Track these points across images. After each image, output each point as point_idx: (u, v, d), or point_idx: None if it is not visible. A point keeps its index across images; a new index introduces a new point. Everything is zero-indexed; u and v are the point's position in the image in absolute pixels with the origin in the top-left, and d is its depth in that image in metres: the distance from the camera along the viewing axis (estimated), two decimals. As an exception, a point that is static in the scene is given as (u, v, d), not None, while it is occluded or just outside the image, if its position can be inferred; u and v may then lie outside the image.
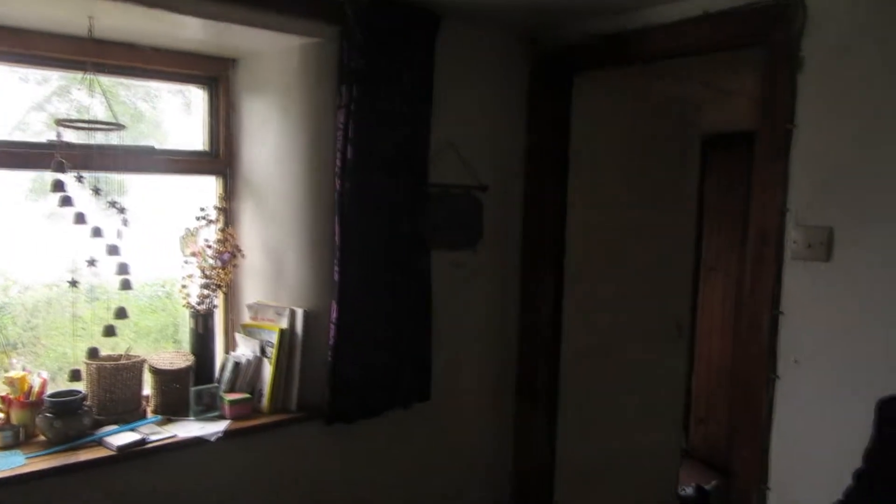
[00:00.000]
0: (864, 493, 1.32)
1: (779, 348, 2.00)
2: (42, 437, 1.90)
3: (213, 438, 1.99)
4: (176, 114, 2.36)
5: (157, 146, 2.22)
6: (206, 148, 2.36)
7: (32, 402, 1.90)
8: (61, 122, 1.90)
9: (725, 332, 4.23)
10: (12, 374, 1.93)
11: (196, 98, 2.35)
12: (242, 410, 2.14)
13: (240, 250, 2.25)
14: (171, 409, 2.11)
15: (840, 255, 1.88)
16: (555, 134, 2.66)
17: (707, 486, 3.75)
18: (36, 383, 1.94)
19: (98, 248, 1.94)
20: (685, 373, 4.04)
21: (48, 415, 1.85)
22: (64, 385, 2.02)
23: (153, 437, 1.93)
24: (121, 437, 1.88)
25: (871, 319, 1.80)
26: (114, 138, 2.00)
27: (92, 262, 1.92)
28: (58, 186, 1.86)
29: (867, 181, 1.83)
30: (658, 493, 3.25)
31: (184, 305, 2.22)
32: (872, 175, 1.82)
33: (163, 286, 2.36)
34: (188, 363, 2.16)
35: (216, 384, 2.20)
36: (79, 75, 1.97)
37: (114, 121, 1.96)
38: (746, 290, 2.08)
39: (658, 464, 3.22)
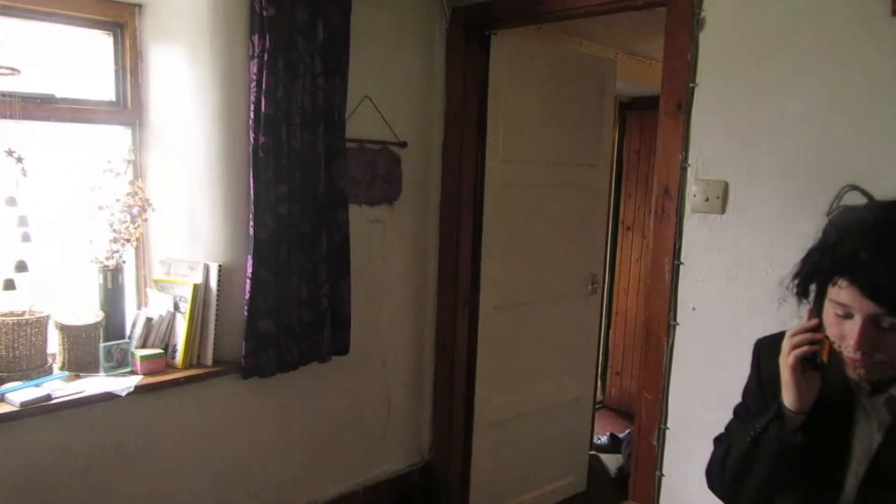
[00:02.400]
0: (740, 425, 1.42)
1: (679, 296, 2.12)
2: (-61, 396, 1.83)
3: (123, 393, 1.96)
4: (81, 61, 2.25)
5: (59, 94, 2.12)
6: (113, 98, 2.27)
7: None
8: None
9: (641, 289, 4.41)
10: None
11: (103, 45, 2.25)
12: (155, 366, 2.11)
13: (150, 204, 2.19)
14: (80, 365, 2.06)
15: (734, 207, 1.99)
16: (473, 91, 2.68)
17: (620, 435, 3.95)
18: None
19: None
20: (601, 327, 4.22)
21: (-56, 372, 1.79)
22: (-38, 343, 1.95)
23: (59, 393, 1.88)
24: (24, 393, 1.82)
25: (759, 267, 1.93)
26: (10, 84, 1.91)
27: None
28: (-54, 134, 1.77)
29: (760, 138, 1.94)
30: (574, 442, 3.40)
31: (92, 261, 2.16)
32: (765, 132, 1.92)
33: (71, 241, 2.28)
34: (97, 319, 2.11)
35: (127, 340, 2.15)
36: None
37: (8, 65, 1.86)
38: (650, 242, 2.18)
39: (574, 414, 3.36)
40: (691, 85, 2.04)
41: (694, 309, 2.09)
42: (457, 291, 2.74)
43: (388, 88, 2.57)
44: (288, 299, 2.24)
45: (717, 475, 1.42)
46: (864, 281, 1.08)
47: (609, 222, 4.15)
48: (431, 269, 2.80)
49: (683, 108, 2.05)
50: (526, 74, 2.82)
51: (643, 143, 4.30)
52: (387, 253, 2.64)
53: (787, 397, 1.24)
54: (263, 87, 2.10)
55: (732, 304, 2.00)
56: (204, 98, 2.16)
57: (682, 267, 2.10)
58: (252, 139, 2.12)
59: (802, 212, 1.82)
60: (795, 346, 1.21)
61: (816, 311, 1.22)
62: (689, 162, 2.07)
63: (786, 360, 1.23)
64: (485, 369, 2.87)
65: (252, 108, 2.12)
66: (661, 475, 2.19)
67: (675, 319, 2.12)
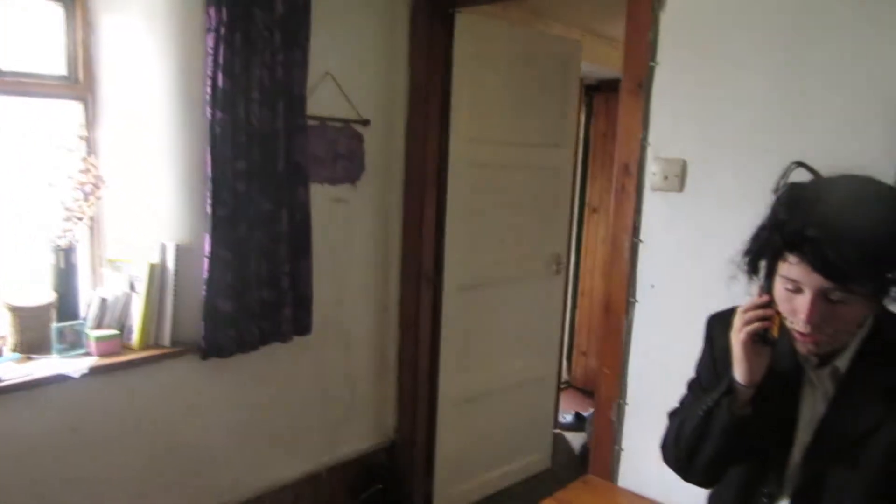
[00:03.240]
0: (693, 399, 1.45)
1: (638, 274, 2.14)
2: None
3: (76, 375, 1.92)
4: (30, 33, 2.17)
5: (5, 67, 2.05)
6: (65, 72, 2.20)
7: None
8: None
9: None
10: None
11: (54, 17, 2.17)
12: (110, 347, 2.07)
13: (103, 181, 2.14)
14: (32, 347, 2.01)
15: (692, 185, 2.01)
16: (436, 69, 2.66)
17: (585, 413, 4.00)
18: None
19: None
20: (567, 308, 4.26)
21: None
22: None
23: (10, 375, 1.83)
24: (-28, 376, 1.78)
25: (714, 244, 1.95)
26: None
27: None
28: None
29: (717, 117, 1.95)
30: (538, 420, 3.43)
31: (43, 240, 2.10)
32: (722, 111, 1.94)
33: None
34: (49, 300, 2.06)
35: (81, 321, 2.11)
36: None
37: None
38: (611, 220, 2.20)
39: (538, 393, 3.40)
40: (651, 64, 2.05)
41: (653, 286, 2.11)
42: (420, 271, 2.74)
43: (351, 65, 2.53)
44: (247, 278, 2.21)
45: (671, 448, 1.44)
46: (812, 256, 1.10)
47: (575, 204, 4.18)
48: (395, 248, 2.78)
49: (643, 86, 2.06)
50: (490, 54, 2.81)
51: (609, 126, 4.32)
52: (349, 232, 2.62)
53: (738, 372, 1.26)
54: (220, 61, 2.06)
55: (690, 280, 2.02)
56: (158, 72, 2.11)
57: (641, 244, 2.12)
58: (209, 115, 2.08)
59: (758, 190, 1.83)
60: (747, 322, 1.23)
61: (766, 287, 1.24)
62: (649, 140, 2.08)
63: (737, 336, 1.24)
64: (449, 349, 2.88)
65: (209, 82, 2.07)
66: (620, 449, 2.23)
67: (634, 296, 2.15)
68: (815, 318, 1.13)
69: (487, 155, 2.88)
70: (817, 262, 1.09)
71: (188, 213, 2.16)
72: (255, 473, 2.42)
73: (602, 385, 2.25)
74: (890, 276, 1.13)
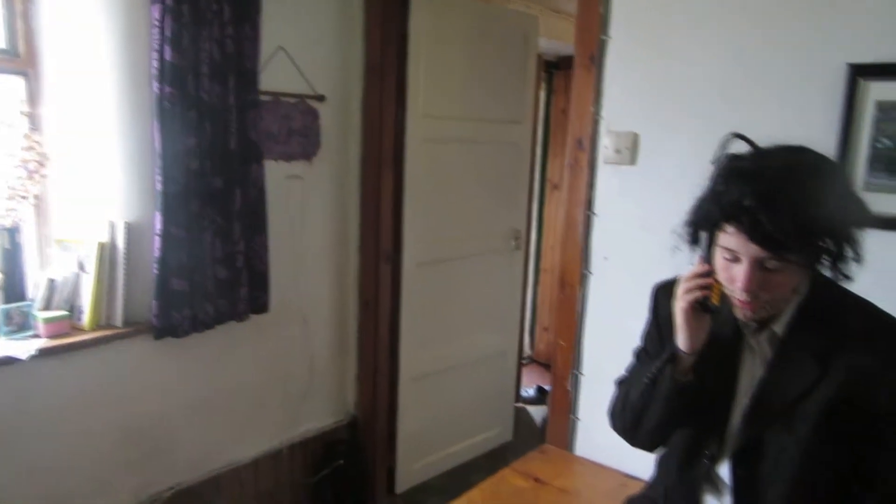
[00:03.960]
0: (639, 367, 1.48)
1: (591, 246, 2.17)
2: None
3: (25, 357, 1.88)
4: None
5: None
6: (4, 45, 2.12)
7: None
8: None
9: (566, 245, 4.49)
10: None
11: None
12: (59, 328, 2.03)
13: (48, 158, 2.08)
14: (-23, 329, 1.97)
15: (643, 159, 2.04)
16: (392, 44, 2.64)
17: (547, 387, 4.05)
18: None
19: None
20: (530, 285, 4.30)
21: None
22: None
23: (-47, 358, 1.79)
24: (-88, 359, 1.73)
25: (665, 216, 1.97)
26: None
27: None
28: None
29: (668, 90, 1.98)
30: (500, 394, 3.48)
31: (-14, 219, 2.04)
32: (673, 85, 1.97)
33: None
34: (-6, 281, 2.01)
35: (28, 302, 2.06)
36: None
37: None
38: (565, 193, 2.21)
39: (499, 367, 3.43)
40: (603, 37, 2.06)
41: (606, 258, 2.15)
42: (379, 248, 2.73)
43: (304, 40, 2.49)
44: (201, 257, 2.18)
45: (618, 415, 1.48)
46: (748, 226, 1.12)
47: (536, 181, 4.21)
48: (353, 225, 2.77)
49: (595, 60, 2.07)
50: (447, 28, 2.79)
51: (569, 102, 4.33)
52: (306, 209, 2.59)
53: (680, 339, 1.29)
54: (167, 33, 2.01)
55: (642, 252, 2.06)
56: (103, 45, 2.05)
57: (594, 217, 2.15)
58: (157, 89, 2.03)
59: (707, 162, 1.87)
60: (687, 291, 1.26)
61: (707, 257, 1.27)
62: (602, 114, 2.10)
63: (678, 305, 1.28)
64: (409, 325, 2.89)
65: (155, 56, 2.02)
66: (577, 419, 2.27)
67: (588, 269, 2.18)
68: (751, 286, 1.17)
69: (445, 131, 2.88)
70: (753, 232, 1.12)
71: (138, 191, 2.12)
72: (214, 453, 2.41)
73: (558, 357, 2.29)
74: (822, 244, 1.16)
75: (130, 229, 2.11)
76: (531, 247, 4.36)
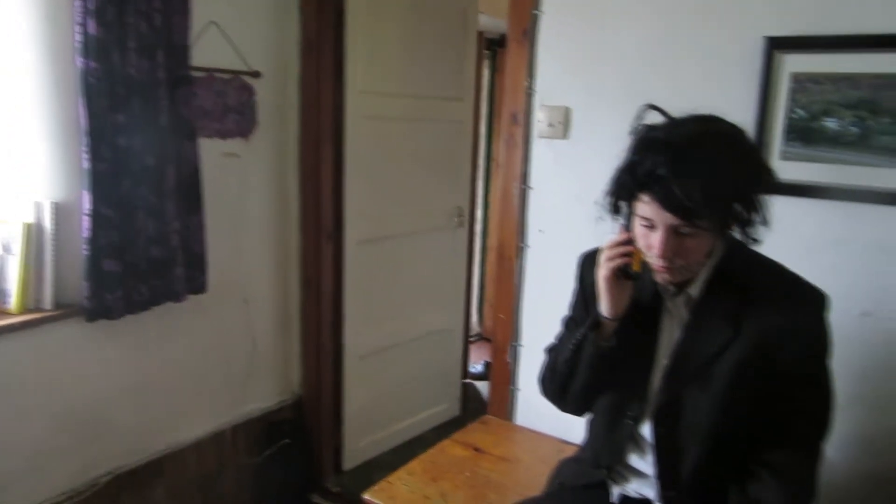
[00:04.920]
0: (566, 334, 1.52)
1: (528, 220, 2.20)
2: None
3: (-54, 341, 1.82)
4: None
5: None
6: (-86, 19, 2.03)
7: None
8: None
9: (512, 223, 4.54)
10: None
11: None
12: (-15, 312, 1.97)
13: (-34, 137, 2.00)
14: None
15: (576, 132, 2.08)
16: (329, 19, 2.60)
17: (494, 362, 4.11)
18: None
19: None
20: (477, 262, 4.34)
21: None
22: None
23: None
24: None
25: (596, 188, 2.01)
26: None
27: None
28: None
29: (600, 64, 2.01)
30: (447, 371, 3.51)
31: None
32: (604, 58, 2.00)
33: None
34: (-88, 264, 1.93)
35: (-50, 286, 1.99)
36: None
37: None
38: (501, 168, 2.24)
39: (446, 344, 3.47)
40: (535, 12, 2.08)
41: (542, 231, 2.18)
42: (320, 226, 2.72)
43: (238, 14, 2.44)
44: (133, 237, 2.14)
45: (547, 382, 1.52)
46: (662, 195, 1.17)
47: (480, 158, 4.23)
48: (293, 203, 2.75)
49: (528, 34, 2.09)
50: (385, 3, 2.77)
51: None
52: (244, 188, 2.56)
53: (603, 306, 1.34)
54: (91, 6, 1.93)
55: (576, 224, 2.10)
56: (22, 17, 1.97)
57: (530, 191, 2.18)
58: (81, 64, 1.97)
59: (635, 134, 1.93)
60: (609, 259, 1.31)
61: (627, 225, 1.31)
62: (535, 88, 2.12)
63: (601, 272, 1.32)
64: (353, 303, 2.89)
65: (79, 29, 1.96)
66: (517, 389, 2.32)
67: (524, 242, 2.21)
68: (667, 252, 1.22)
69: (386, 108, 2.87)
70: (666, 201, 1.17)
71: (64, 170, 2.06)
72: (154, 436, 2.38)
73: (498, 329, 2.33)
74: (732, 210, 1.22)
75: (58, 209, 2.05)
76: (477, 224, 4.40)
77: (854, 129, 1.63)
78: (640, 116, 1.28)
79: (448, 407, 3.52)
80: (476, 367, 4.18)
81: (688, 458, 1.36)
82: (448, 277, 3.39)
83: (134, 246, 2.14)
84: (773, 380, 1.28)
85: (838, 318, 1.68)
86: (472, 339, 4.31)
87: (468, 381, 3.95)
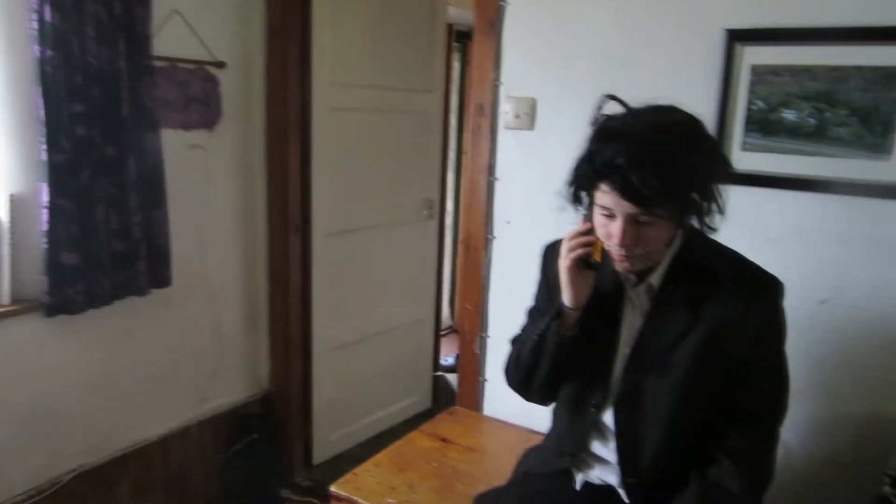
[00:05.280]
0: (531, 324, 1.53)
1: (495, 211, 2.21)
2: None
3: None
4: None
5: None
6: None
7: None
8: None
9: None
10: None
11: None
12: (-61, 307, 1.92)
13: (-83, 127, 1.95)
14: None
15: (541, 123, 2.08)
16: (295, 9, 2.58)
17: (465, 355, 4.12)
18: None
19: None
20: (449, 254, 4.34)
21: None
22: None
23: None
24: None
25: (562, 179, 2.03)
26: None
27: None
28: None
29: (565, 56, 2.02)
30: (418, 363, 3.51)
31: None
32: (570, 50, 2.01)
33: None
34: None
35: None
36: None
37: None
38: (468, 159, 2.24)
39: (416, 336, 3.47)
40: (501, 3, 2.08)
41: (508, 222, 2.19)
42: (287, 219, 2.69)
43: (201, 3, 2.40)
44: (94, 230, 2.10)
45: (511, 372, 1.53)
46: (620, 184, 1.18)
47: (451, 150, 4.23)
48: (260, 196, 2.72)
49: (494, 26, 2.09)
50: (352, -5, 2.75)
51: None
52: (209, 180, 2.52)
53: (566, 296, 1.35)
54: (47, -7, 1.90)
55: (543, 215, 2.10)
56: (-26, 6, 1.92)
57: (496, 183, 2.18)
58: (38, 53, 1.92)
59: (600, 125, 1.94)
60: (570, 250, 1.32)
61: (588, 215, 1.32)
62: (501, 80, 2.12)
63: (563, 263, 1.33)
64: (321, 296, 2.87)
65: (35, 17, 1.91)
66: (484, 380, 2.33)
67: (491, 233, 2.22)
68: (626, 240, 1.22)
69: (353, 99, 2.85)
70: (624, 190, 1.18)
71: (21, 161, 2.01)
72: (118, 432, 2.35)
73: (466, 320, 2.33)
74: (689, 199, 1.23)
75: (14, 202, 2.00)
76: (448, 217, 4.39)
77: (812, 121, 1.66)
78: (599, 106, 1.29)
79: (419, 399, 3.52)
80: (448, 359, 4.18)
81: (648, 445, 1.38)
82: (418, 270, 3.38)
83: (95, 239, 2.10)
84: (731, 366, 1.30)
85: (797, 307, 1.72)
86: (443, 332, 4.31)
87: (439, 373, 3.95)
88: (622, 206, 1.20)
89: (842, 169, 1.66)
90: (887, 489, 1.53)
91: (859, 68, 1.59)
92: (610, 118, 1.25)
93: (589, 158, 1.23)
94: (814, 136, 1.66)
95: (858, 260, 1.69)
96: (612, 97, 1.30)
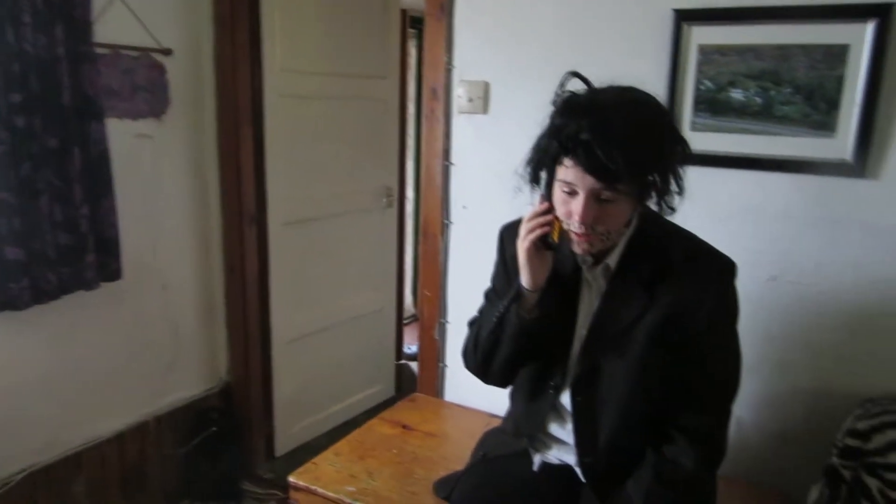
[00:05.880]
0: (489, 307, 1.53)
1: (451, 196, 2.20)
2: None
3: None
4: None
5: None
6: None
7: None
8: None
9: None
10: None
11: None
12: None
13: None
14: None
15: (495, 107, 2.08)
16: (243, -6, 2.52)
17: (429, 342, 4.12)
18: None
19: None
20: (407, 242, 4.32)
21: None
22: None
23: None
24: None
25: (516, 162, 2.03)
26: None
27: None
28: None
29: (518, 38, 2.01)
30: (381, 352, 3.50)
31: None
32: (522, 33, 2.00)
33: None
34: None
35: None
36: None
37: None
38: (423, 145, 2.22)
39: (378, 325, 3.45)
40: (452, -14, 2.06)
41: (465, 207, 2.18)
42: (241, 209, 2.64)
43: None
44: (38, 223, 2.03)
45: (470, 355, 1.52)
46: (585, 159, 1.17)
47: (410, 139, 4.20)
48: (213, 186, 2.66)
49: (445, 9, 2.08)
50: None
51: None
52: (160, 170, 2.46)
53: (524, 277, 1.34)
54: (-23, -22, 1.82)
55: (499, 199, 2.10)
56: None
57: (452, 167, 2.17)
58: (-30, 40, 1.85)
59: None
60: (530, 231, 1.30)
61: (547, 195, 1.31)
62: (454, 63, 2.11)
63: (522, 245, 1.31)
64: (279, 287, 2.83)
65: (-35, 3, 1.84)
66: (445, 366, 2.33)
67: (448, 219, 2.21)
68: (587, 217, 1.22)
69: (306, 86, 2.80)
70: (589, 164, 1.17)
71: (-43, 153, 1.93)
72: (70, 430, 2.28)
73: (425, 307, 2.32)
74: (651, 178, 1.23)
75: (-49, 196, 1.93)
76: (409, 205, 4.37)
77: (758, 100, 1.68)
78: (562, 83, 1.28)
79: (383, 388, 3.51)
80: (411, 347, 4.17)
81: (605, 425, 1.39)
82: (379, 259, 3.36)
83: (39, 232, 2.04)
84: (685, 346, 1.31)
85: (747, 284, 1.74)
86: (407, 321, 4.30)
87: (403, 362, 3.94)
88: (585, 182, 1.19)
89: (788, 147, 1.69)
90: (835, 460, 1.57)
91: (803, 47, 1.62)
92: (574, 95, 1.24)
93: (553, 133, 1.22)
94: (761, 115, 1.69)
95: (805, 237, 1.73)
96: (576, 74, 1.29)
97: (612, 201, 1.22)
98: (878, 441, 1.52)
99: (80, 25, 2.08)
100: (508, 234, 1.51)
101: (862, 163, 1.61)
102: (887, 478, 1.49)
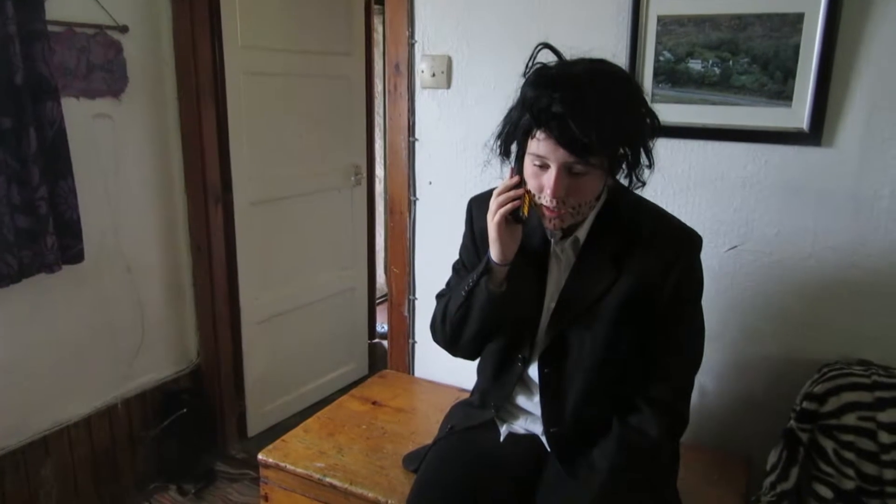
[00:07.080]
0: (457, 280, 1.53)
1: (416, 172, 2.19)
2: None
3: None
4: None
5: None
6: None
7: None
8: None
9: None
10: None
11: None
12: None
13: None
14: None
15: (458, 81, 2.07)
16: (201, -32, 2.47)
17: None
18: None
19: None
20: (378, 220, 4.30)
21: None
22: None
23: None
24: None
25: (480, 136, 2.02)
26: None
27: None
28: None
29: (479, 13, 2.00)
30: (353, 331, 3.49)
31: None
32: (480, 6, 1.99)
33: None
34: None
35: None
36: None
37: None
38: (388, 121, 2.21)
39: (349, 304, 3.44)
40: (411, -41, 2.04)
41: (430, 183, 2.18)
42: (206, 188, 2.61)
43: (97, -38, 2.27)
44: (-6, 205, 1.99)
45: (438, 329, 1.52)
46: (557, 131, 1.17)
47: (378, 116, 4.16)
48: (176, 166, 2.61)
49: (407, -18, 2.05)
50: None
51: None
52: (120, 151, 2.41)
53: (494, 251, 1.33)
54: (-82, -48, 1.76)
55: (464, 173, 2.11)
56: None
57: (416, 143, 2.16)
58: (-86, 18, 1.79)
59: (515, 81, 1.93)
60: (500, 205, 1.30)
61: (518, 168, 1.31)
62: (416, 38, 2.09)
63: (492, 218, 1.31)
64: (247, 267, 2.81)
65: None
66: (414, 342, 2.33)
67: (414, 195, 2.20)
68: (559, 190, 1.22)
69: (269, 63, 2.76)
70: (562, 137, 1.17)
71: None
72: (36, 414, 2.26)
73: (393, 283, 2.32)
74: (622, 151, 1.24)
75: None
76: (379, 183, 4.35)
77: (716, 70, 1.70)
78: (534, 56, 1.27)
79: (355, 367, 3.51)
80: (384, 325, 4.17)
81: (571, 396, 1.41)
82: (349, 237, 3.35)
83: (-4, 215, 1.99)
84: (651, 318, 1.33)
85: (711, 253, 1.78)
86: (380, 300, 4.29)
87: (376, 340, 3.95)
88: (558, 155, 1.19)
89: (747, 117, 1.70)
90: (793, 423, 1.61)
91: (759, 16, 1.63)
92: (546, 67, 1.23)
93: (525, 105, 1.21)
94: (719, 85, 1.70)
95: (765, 206, 1.76)
96: (547, 45, 1.28)
97: (583, 174, 1.22)
98: (832, 403, 1.56)
99: (31, 2, 2.02)
100: (477, 206, 1.51)
101: (817, 131, 1.64)
102: (842, 439, 1.54)
